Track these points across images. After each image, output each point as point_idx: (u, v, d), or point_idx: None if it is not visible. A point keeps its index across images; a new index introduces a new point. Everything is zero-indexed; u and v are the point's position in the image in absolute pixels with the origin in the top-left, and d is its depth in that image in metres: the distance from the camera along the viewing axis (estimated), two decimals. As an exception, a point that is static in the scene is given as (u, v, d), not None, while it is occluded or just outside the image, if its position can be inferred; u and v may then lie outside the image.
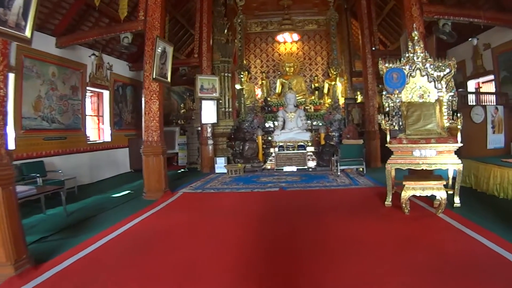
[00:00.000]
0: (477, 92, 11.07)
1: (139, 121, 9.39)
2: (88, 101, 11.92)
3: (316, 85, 16.60)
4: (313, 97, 16.26)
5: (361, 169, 10.77)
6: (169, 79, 8.93)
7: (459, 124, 6.33)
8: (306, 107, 15.47)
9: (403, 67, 7.15)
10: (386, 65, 7.17)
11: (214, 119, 12.81)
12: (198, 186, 9.51)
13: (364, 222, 5.70)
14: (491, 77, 11.15)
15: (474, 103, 9.54)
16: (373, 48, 13.10)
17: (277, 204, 7.30)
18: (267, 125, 14.99)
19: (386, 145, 6.39)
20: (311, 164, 12.40)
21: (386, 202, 6.58)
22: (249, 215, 6.40)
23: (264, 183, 9.66)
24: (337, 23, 16.88)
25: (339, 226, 5.52)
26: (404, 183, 5.95)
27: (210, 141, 12.87)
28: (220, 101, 13.30)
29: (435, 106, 6.74)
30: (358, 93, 16.69)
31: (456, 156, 6.15)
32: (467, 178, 8.04)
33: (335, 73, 16.22)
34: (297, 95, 15.32)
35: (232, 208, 7.05)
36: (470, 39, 11.18)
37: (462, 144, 6.13)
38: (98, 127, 12.66)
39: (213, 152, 12.92)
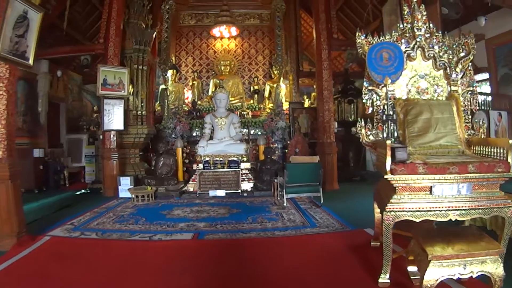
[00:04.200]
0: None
1: (34, 126, 8.58)
2: None
3: (256, 87, 14.64)
4: (251, 101, 14.29)
5: (317, 197, 8.18)
6: (30, 61, 5.97)
7: (481, 134, 4.55)
8: (243, 113, 13.37)
9: (398, 43, 4.69)
10: (369, 38, 4.73)
11: (120, 125, 10.15)
12: (81, 224, 6.77)
13: None
14: (485, 75, 9.44)
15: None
16: (335, 37, 11.04)
17: (178, 279, 4.31)
18: (194, 133, 12.66)
19: (386, 177, 3.66)
20: (247, 186, 9.85)
21: (381, 279, 3.82)
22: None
23: (175, 221, 6.88)
24: (284, 14, 15.09)
25: None
26: (430, 256, 3.31)
27: (115, 154, 10.07)
28: (131, 102, 10.90)
29: (451, 106, 4.46)
30: (305, 97, 15.40)
31: (501, 192, 3.69)
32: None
33: (278, 73, 14.35)
34: (232, 99, 13.51)
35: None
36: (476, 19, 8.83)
37: (514, 173, 3.69)
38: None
39: (118, 168, 10.14)
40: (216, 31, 15.06)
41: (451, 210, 3.57)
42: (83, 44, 12.80)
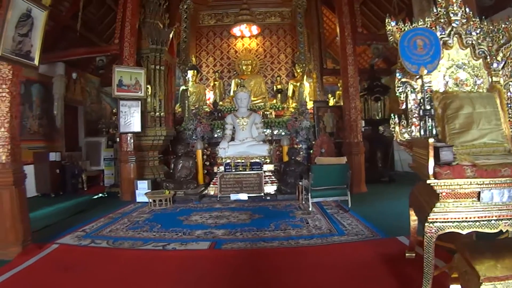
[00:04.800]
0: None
1: (50, 130, 8.42)
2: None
3: (279, 86, 14.25)
4: (274, 101, 13.90)
5: (345, 201, 7.66)
6: (36, 61, 5.68)
7: None
8: (266, 113, 12.98)
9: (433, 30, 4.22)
10: (400, 25, 4.24)
11: (137, 127, 9.83)
12: (93, 231, 6.43)
13: None
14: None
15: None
16: (359, 31, 10.60)
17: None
18: (216, 135, 12.30)
19: (429, 182, 3.16)
20: (270, 189, 9.37)
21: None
22: None
23: (191, 228, 6.44)
24: (305, 11, 14.85)
25: None
26: (482, 277, 2.75)
27: (132, 157, 9.71)
28: (149, 103, 10.63)
29: (494, 99, 3.96)
30: (330, 96, 15.04)
31: None
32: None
33: (301, 71, 13.98)
34: (255, 99, 13.18)
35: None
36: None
37: None
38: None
39: (136, 171, 9.79)
40: (236, 30, 14.78)
41: (502, 219, 3.08)
42: (99, 46, 12.57)
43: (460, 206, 3.10)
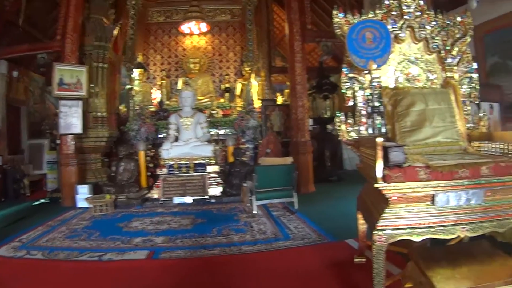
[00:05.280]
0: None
1: None
2: None
3: (227, 85, 14.00)
4: (222, 100, 13.68)
5: (292, 202, 7.46)
6: None
7: (484, 127, 3.95)
8: (213, 112, 12.76)
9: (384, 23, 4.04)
10: (349, 17, 4.05)
11: (78, 128, 9.37)
12: (30, 240, 5.93)
13: None
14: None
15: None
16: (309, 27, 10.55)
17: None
18: (161, 135, 11.85)
19: (376, 186, 2.89)
20: (215, 191, 9.09)
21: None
22: None
23: (131, 235, 6.03)
24: (256, 8, 14.63)
25: None
26: None
27: (73, 160, 9.26)
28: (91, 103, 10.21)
29: (448, 95, 3.81)
30: (278, 94, 14.86)
31: None
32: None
33: (249, 69, 13.76)
34: (202, 98, 12.84)
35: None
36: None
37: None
38: None
39: (78, 175, 9.35)
40: (185, 28, 14.40)
41: (460, 224, 2.85)
42: (41, 42, 11.82)
43: (413, 211, 2.85)
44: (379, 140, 2.81)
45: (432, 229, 2.82)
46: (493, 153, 3.40)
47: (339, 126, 3.90)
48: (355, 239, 4.56)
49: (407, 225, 2.81)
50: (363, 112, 3.92)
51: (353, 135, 3.86)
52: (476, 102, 4.21)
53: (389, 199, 2.82)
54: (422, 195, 2.83)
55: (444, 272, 2.67)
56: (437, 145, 3.48)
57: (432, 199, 2.82)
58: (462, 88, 4.07)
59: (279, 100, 14.46)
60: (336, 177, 11.30)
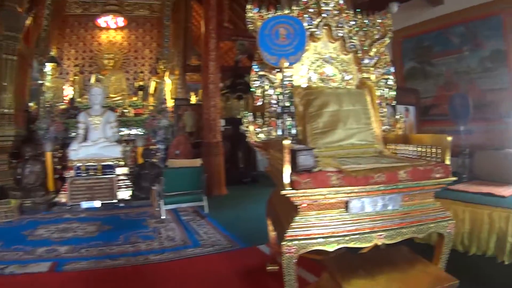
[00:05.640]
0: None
1: None
2: None
3: (141, 83, 13.73)
4: (135, 98, 13.38)
5: (203, 206, 7.29)
6: None
7: (400, 129, 3.97)
8: (125, 111, 12.43)
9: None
10: (263, 12, 3.80)
11: None
12: None
13: None
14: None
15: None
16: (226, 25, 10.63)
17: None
18: (73, 135, 11.10)
19: (283, 192, 2.65)
20: (125, 194, 8.72)
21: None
22: None
23: (35, 245, 5.52)
24: (175, 4, 14.43)
25: None
26: None
27: None
28: None
29: (364, 96, 3.76)
30: (192, 94, 14.85)
31: (437, 201, 3.02)
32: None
33: (164, 67, 13.64)
34: (115, 95, 12.52)
35: None
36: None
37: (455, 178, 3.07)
38: None
39: None
40: (102, 21, 13.82)
41: (377, 231, 2.72)
42: None
43: (325, 219, 2.66)
44: (286, 142, 2.60)
45: (347, 238, 2.65)
46: (410, 156, 3.34)
47: (247, 127, 3.70)
48: (267, 244, 4.41)
49: (319, 234, 2.61)
50: (273, 113, 3.75)
51: (262, 136, 3.67)
52: (392, 104, 4.16)
53: (298, 207, 2.62)
54: (335, 202, 2.65)
55: (362, 283, 2.57)
56: (351, 147, 3.36)
57: (346, 205, 2.67)
58: (378, 90, 4.01)
59: (193, 99, 14.33)
60: (250, 179, 11.24)
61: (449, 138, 2.92)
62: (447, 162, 2.89)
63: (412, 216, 2.83)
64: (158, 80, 13.44)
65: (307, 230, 2.60)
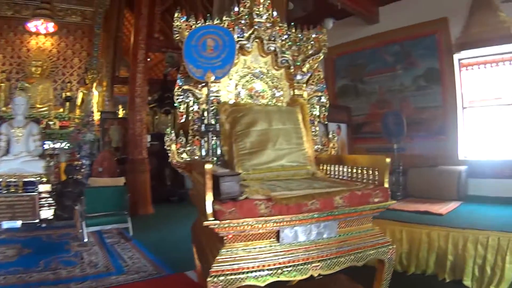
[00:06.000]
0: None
1: None
2: None
3: (68, 94, 13.15)
4: (61, 110, 12.79)
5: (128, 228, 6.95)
6: None
7: (333, 149, 3.87)
8: (50, 123, 11.89)
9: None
10: (191, 21, 3.56)
11: None
12: None
13: None
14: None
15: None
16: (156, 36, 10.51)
17: None
18: None
19: (206, 223, 2.36)
20: (47, 213, 8.14)
21: None
22: None
23: None
24: (107, 12, 13.97)
25: None
26: None
27: None
28: None
29: (295, 114, 3.58)
30: (120, 107, 14.32)
31: (376, 226, 2.94)
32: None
33: (92, 77, 13.29)
34: (41, 106, 11.95)
35: None
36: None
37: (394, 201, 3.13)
38: None
39: None
40: (31, 26, 13.04)
41: (311, 262, 2.54)
42: None
43: (254, 251, 2.44)
44: (208, 166, 2.35)
45: (279, 271, 2.45)
46: (344, 178, 3.21)
47: (169, 146, 3.44)
48: (195, 270, 4.12)
49: (248, 268, 2.38)
50: (197, 131, 3.50)
51: (185, 156, 3.41)
52: (324, 122, 4.07)
53: (224, 238, 2.39)
54: (264, 232, 2.45)
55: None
56: (281, 169, 3.17)
57: (277, 235, 2.47)
58: (310, 107, 3.90)
59: (121, 113, 13.97)
60: (177, 197, 11.06)
61: (388, 160, 2.81)
62: (386, 185, 2.78)
63: (349, 244, 2.70)
64: (86, 91, 13.00)
65: (235, 264, 2.36)
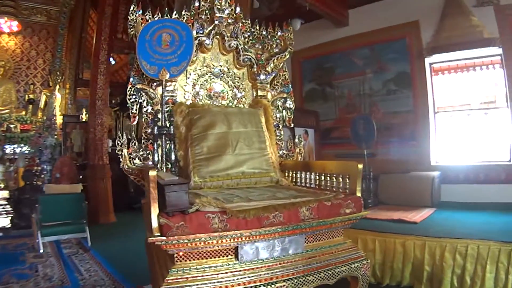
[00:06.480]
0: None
1: None
2: None
3: (31, 96, 12.81)
4: (23, 112, 12.47)
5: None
6: None
7: (300, 154, 3.61)
8: (11, 126, 11.58)
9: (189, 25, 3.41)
10: (148, 15, 3.28)
11: None
12: None
13: None
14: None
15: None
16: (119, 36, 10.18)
17: None
18: None
19: (152, 239, 2.04)
20: (4, 222, 7.87)
21: None
22: None
23: None
24: (72, 11, 13.55)
25: None
26: None
27: None
28: None
29: (258, 116, 3.39)
30: (84, 111, 13.63)
31: (348, 239, 2.81)
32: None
33: (55, 79, 12.99)
34: (2, 108, 11.72)
35: None
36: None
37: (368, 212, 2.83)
38: None
39: None
40: (-5, 24, 13.08)
41: (276, 282, 2.31)
42: None
43: (210, 271, 2.18)
44: (152, 173, 2.07)
45: None
46: (312, 186, 3.02)
47: (121, 150, 3.10)
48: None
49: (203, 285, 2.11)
50: (149, 133, 3.22)
51: (138, 162, 3.10)
52: (290, 126, 3.88)
53: (174, 256, 2.11)
54: (220, 249, 2.19)
55: None
56: (242, 176, 2.94)
57: (236, 252, 2.22)
58: (275, 110, 3.69)
59: (84, 117, 13.37)
60: (140, 205, 10.53)
61: (360, 166, 2.62)
62: (358, 194, 2.58)
63: (318, 260, 2.48)
64: (49, 94, 12.66)
65: (187, 286, 2.08)
